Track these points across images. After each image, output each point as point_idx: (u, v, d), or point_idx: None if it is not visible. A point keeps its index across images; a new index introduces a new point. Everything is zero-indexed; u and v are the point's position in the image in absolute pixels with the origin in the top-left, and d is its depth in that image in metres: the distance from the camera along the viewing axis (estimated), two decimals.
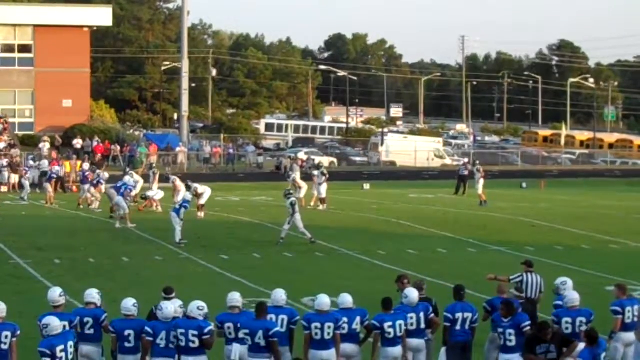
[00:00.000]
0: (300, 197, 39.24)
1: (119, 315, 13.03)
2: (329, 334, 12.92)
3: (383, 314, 13.35)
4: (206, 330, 12.43)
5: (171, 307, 12.69)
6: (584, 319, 13.71)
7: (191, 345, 12.42)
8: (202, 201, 34.60)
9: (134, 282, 21.98)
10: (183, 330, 12.45)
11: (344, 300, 13.48)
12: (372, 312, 13.61)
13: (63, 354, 11.77)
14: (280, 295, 13.40)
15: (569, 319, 13.71)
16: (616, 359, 14.16)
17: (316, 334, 12.87)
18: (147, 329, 12.54)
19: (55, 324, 11.98)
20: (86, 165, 40.75)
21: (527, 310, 14.48)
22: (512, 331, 13.15)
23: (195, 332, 12.40)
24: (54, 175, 41.78)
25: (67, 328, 12.67)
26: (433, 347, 14.18)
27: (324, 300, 13.10)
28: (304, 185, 39.62)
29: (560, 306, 14.07)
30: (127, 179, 35.65)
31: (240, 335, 12.88)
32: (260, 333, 12.62)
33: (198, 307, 12.60)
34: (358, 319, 13.35)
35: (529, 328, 13.22)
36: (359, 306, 13.71)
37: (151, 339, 12.48)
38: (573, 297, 14.00)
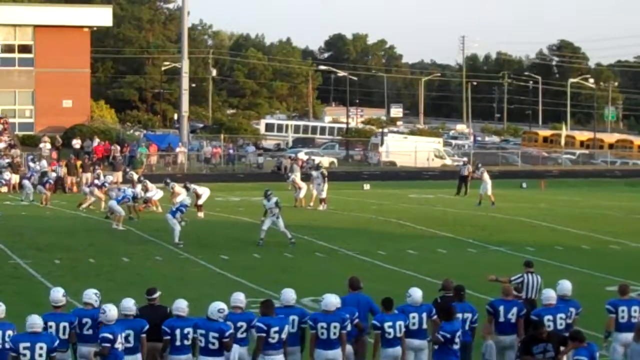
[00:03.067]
0: (300, 198, 39.30)
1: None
2: (334, 333, 12.96)
3: (384, 314, 13.36)
4: (227, 334, 12.48)
5: (114, 310, 12.48)
6: (563, 315, 13.81)
7: (210, 347, 12.47)
8: (201, 201, 34.74)
9: (134, 282, 21.94)
10: (203, 332, 12.49)
11: None
12: None
13: None
14: (290, 295, 13.44)
15: (550, 317, 13.74)
16: (615, 359, 14.19)
17: (322, 333, 12.91)
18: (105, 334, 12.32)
19: None
20: (109, 178, 40.40)
21: (527, 310, 14.47)
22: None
23: (216, 335, 12.45)
24: (50, 180, 41.49)
25: (68, 329, 12.72)
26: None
27: (330, 300, 13.14)
28: (303, 186, 39.61)
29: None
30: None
31: (240, 335, 12.91)
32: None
33: (219, 310, 12.61)
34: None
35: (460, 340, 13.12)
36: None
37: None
38: (549, 294, 14.05)
